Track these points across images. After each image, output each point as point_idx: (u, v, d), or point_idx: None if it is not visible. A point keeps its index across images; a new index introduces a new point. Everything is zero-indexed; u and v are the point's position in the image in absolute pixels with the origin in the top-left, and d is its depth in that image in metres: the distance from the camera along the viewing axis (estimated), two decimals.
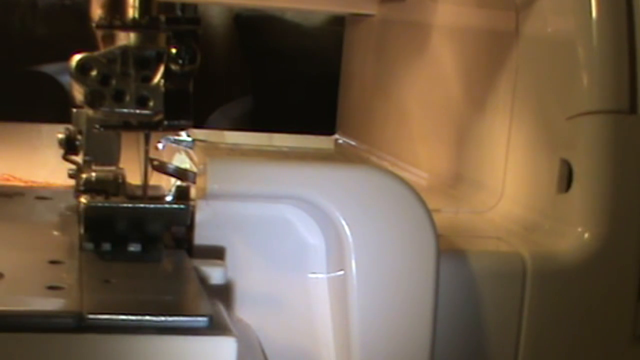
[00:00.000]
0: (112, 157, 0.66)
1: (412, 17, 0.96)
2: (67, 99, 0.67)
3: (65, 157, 0.69)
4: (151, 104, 0.60)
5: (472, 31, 0.83)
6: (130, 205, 0.59)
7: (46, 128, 1.24)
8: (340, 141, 1.10)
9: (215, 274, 0.53)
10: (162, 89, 0.60)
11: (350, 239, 0.56)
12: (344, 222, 0.56)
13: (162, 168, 0.65)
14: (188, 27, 0.60)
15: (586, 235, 0.64)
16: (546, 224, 0.67)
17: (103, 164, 0.66)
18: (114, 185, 0.64)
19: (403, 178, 0.57)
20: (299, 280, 0.61)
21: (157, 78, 0.60)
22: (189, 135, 0.85)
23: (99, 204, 0.58)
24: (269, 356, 0.58)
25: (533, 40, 0.72)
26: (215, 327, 0.46)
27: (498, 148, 0.76)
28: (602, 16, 0.65)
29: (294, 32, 1.67)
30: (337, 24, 1.38)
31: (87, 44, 0.62)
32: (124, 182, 0.65)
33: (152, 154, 0.65)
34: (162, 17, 0.60)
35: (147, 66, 0.61)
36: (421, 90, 0.93)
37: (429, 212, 0.57)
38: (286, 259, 0.61)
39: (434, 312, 0.57)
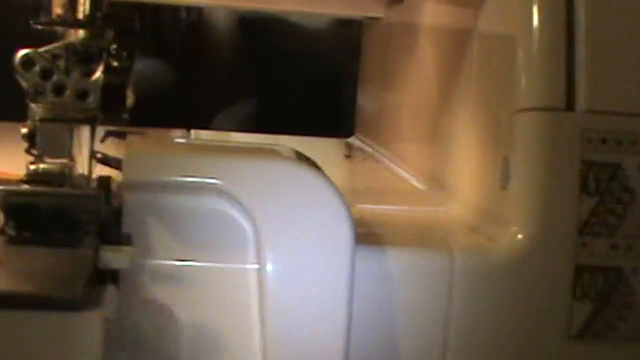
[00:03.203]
0: (63, 150, 0.68)
1: (412, 19, 0.97)
2: None
3: (27, 151, 0.71)
4: (90, 98, 0.62)
5: (449, 31, 0.84)
6: (39, 191, 0.60)
7: None
8: (357, 143, 1.10)
9: (119, 259, 0.54)
10: (101, 83, 0.62)
11: (263, 231, 0.57)
12: (257, 214, 0.57)
13: (105, 161, 0.66)
14: (126, 24, 0.62)
15: (519, 233, 0.63)
16: (489, 221, 0.67)
17: (55, 157, 0.68)
18: (59, 177, 0.65)
19: (322, 172, 0.58)
20: (229, 270, 0.61)
21: (98, 73, 0.62)
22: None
23: (14, 191, 0.60)
24: (194, 344, 0.59)
25: (485, 38, 0.72)
26: (82, 306, 0.47)
27: (456, 146, 0.76)
28: (544, 18, 0.65)
29: (299, 34, 1.67)
30: (343, 26, 1.39)
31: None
32: (70, 173, 0.66)
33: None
34: (100, 14, 0.62)
35: (89, 62, 0.63)
36: (416, 91, 0.93)
37: (346, 206, 0.57)
38: (217, 248, 0.61)
39: (349, 307, 0.57)
